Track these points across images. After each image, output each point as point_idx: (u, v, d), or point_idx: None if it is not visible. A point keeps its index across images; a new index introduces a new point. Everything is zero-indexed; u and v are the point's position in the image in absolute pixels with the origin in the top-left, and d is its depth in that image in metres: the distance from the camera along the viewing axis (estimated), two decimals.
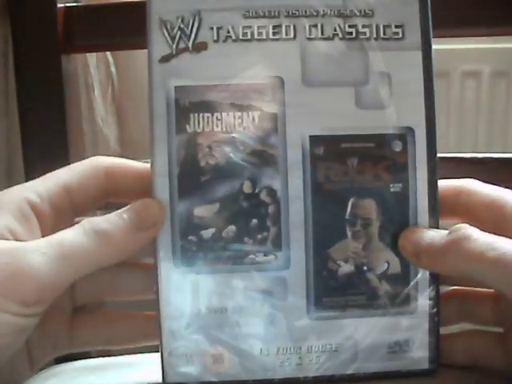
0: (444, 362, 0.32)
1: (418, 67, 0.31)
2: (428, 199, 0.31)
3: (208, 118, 0.31)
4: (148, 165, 0.31)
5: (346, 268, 0.31)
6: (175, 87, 0.30)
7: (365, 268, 0.31)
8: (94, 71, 0.52)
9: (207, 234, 0.31)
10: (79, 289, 0.32)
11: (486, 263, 0.27)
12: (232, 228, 0.31)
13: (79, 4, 0.46)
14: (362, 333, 0.32)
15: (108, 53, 0.55)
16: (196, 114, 0.31)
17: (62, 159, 0.44)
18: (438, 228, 0.31)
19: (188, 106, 0.31)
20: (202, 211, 0.31)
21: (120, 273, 0.33)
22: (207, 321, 0.31)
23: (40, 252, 0.27)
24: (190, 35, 0.30)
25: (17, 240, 0.28)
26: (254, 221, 0.31)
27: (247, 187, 0.31)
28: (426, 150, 0.31)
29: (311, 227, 0.31)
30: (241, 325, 0.31)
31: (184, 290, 0.31)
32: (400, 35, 0.31)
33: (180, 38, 0.30)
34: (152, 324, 0.32)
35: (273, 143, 0.31)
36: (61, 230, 0.29)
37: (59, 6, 0.43)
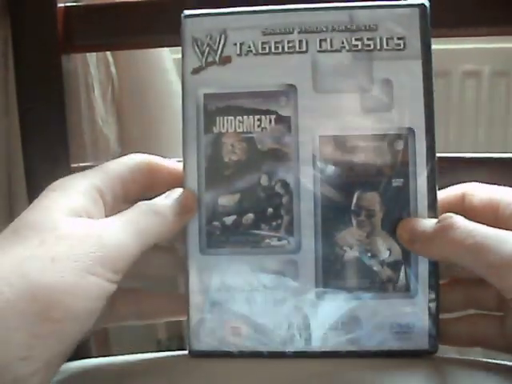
0: (449, 344, 0.35)
1: (419, 74, 0.34)
2: (427, 193, 0.34)
3: (231, 120, 0.35)
4: (177, 163, 0.36)
5: (351, 254, 0.35)
6: (204, 94, 0.36)
7: (368, 254, 0.35)
8: (94, 71, 0.53)
9: (229, 220, 0.35)
10: None
11: (465, 249, 0.30)
12: (250, 216, 0.35)
13: (79, 4, 0.45)
14: (366, 313, 0.35)
15: (108, 53, 0.55)
16: (221, 117, 0.36)
17: (62, 159, 0.45)
18: (436, 218, 0.34)
19: (215, 110, 0.36)
20: (225, 200, 0.35)
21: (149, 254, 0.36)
22: (228, 297, 0.36)
23: (122, 228, 0.31)
24: (217, 50, 0.36)
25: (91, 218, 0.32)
26: (270, 210, 0.35)
27: (264, 180, 0.35)
28: (425, 148, 0.34)
29: (320, 216, 0.35)
30: (257, 301, 0.35)
31: (208, 269, 0.36)
32: (402, 46, 0.35)
33: (208, 52, 0.36)
34: (175, 301, 0.37)
35: (287, 142, 0.35)
36: (115, 213, 0.33)
37: (59, 5, 0.44)
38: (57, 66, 0.44)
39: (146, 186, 0.36)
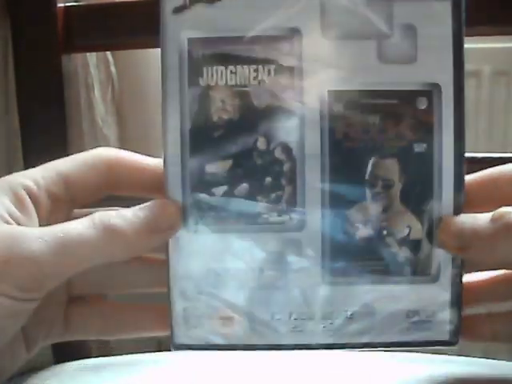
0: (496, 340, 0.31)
1: (447, 19, 0.29)
2: (454, 161, 0.29)
3: (222, 71, 0.29)
4: (155, 159, 0.31)
5: (364, 231, 0.30)
6: (188, 39, 0.29)
7: (384, 232, 0.30)
8: (94, 71, 0.53)
9: (219, 191, 0.30)
10: (76, 279, 0.31)
11: None
12: (245, 186, 0.30)
13: (79, 4, 0.46)
14: (380, 300, 0.30)
15: (108, 53, 0.55)
16: (209, 67, 0.29)
17: None
18: (463, 190, 0.29)
19: (201, 58, 0.29)
20: (214, 168, 0.30)
21: (121, 267, 0.31)
22: (217, 282, 0.30)
23: (42, 240, 0.27)
24: None
25: (16, 223, 0.28)
26: (268, 179, 0.30)
27: (261, 143, 0.30)
28: (452, 108, 0.29)
29: (328, 187, 0.30)
30: (252, 287, 0.30)
31: (194, 250, 0.30)
32: None
33: None
34: (146, 316, 0.32)
35: (289, 98, 0.29)
36: (57, 219, 0.29)
37: (59, 5, 0.44)
38: (57, 66, 0.44)
39: (105, 187, 0.31)
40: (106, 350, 0.40)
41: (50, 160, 0.42)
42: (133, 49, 0.52)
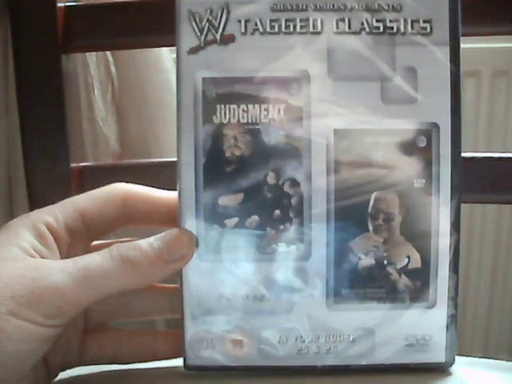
0: None
1: (446, 63, 0.31)
2: (451, 195, 0.31)
3: (234, 109, 0.31)
4: (169, 192, 0.33)
5: (366, 261, 0.32)
6: (203, 78, 0.31)
7: (385, 262, 0.32)
8: (94, 71, 0.53)
9: (231, 223, 0.32)
10: (92, 308, 0.33)
11: None
12: (255, 218, 0.32)
13: (79, 4, 0.45)
14: (380, 325, 0.32)
15: (108, 52, 0.55)
16: (223, 106, 0.31)
17: (62, 159, 0.44)
18: (459, 223, 0.31)
19: (215, 97, 0.31)
20: (226, 201, 0.31)
21: (134, 295, 0.34)
22: (228, 307, 0.32)
23: (66, 272, 0.28)
24: (218, 27, 0.31)
25: (40, 257, 0.30)
26: (277, 212, 0.31)
27: (271, 178, 0.31)
28: (450, 146, 0.31)
29: (333, 220, 0.31)
30: (261, 312, 0.32)
31: (207, 277, 0.32)
32: (428, 30, 0.31)
33: (208, 29, 0.31)
34: (160, 342, 0.34)
35: (297, 136, 0.31)
36: (77, 251, 0.32)
37: (59, 5, 0.44)
38: (57, 66, 0.44)
39: (121, 220, 0.33)
40: None
41: (50, 160, 0.44)
42: (133, 49, 0.52)
